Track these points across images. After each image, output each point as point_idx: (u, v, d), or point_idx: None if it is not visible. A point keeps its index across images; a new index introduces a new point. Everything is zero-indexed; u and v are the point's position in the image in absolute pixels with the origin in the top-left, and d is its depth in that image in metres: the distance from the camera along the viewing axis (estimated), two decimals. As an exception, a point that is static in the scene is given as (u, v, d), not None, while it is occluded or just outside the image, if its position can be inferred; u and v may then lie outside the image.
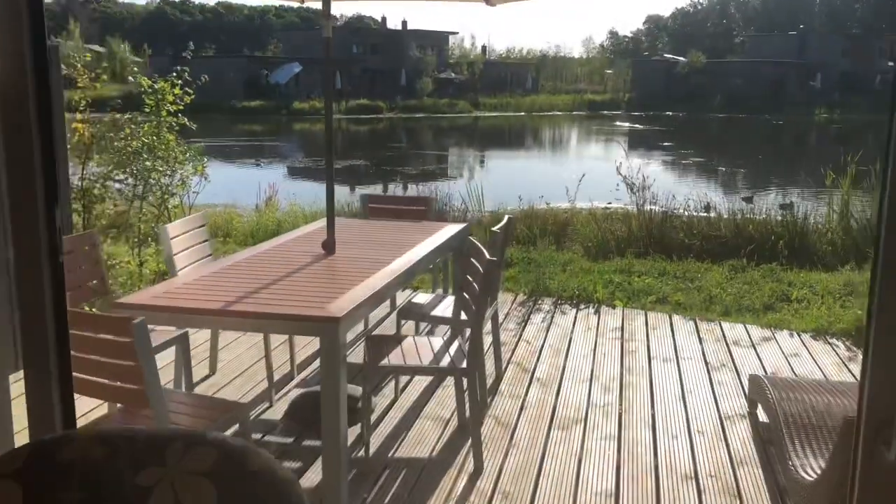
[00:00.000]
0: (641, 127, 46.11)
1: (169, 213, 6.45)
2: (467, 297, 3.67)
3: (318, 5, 3.97)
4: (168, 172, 6.06)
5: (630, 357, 4.98)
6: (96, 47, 65.63)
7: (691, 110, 55.51)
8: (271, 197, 12.87)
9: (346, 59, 59.89)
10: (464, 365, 3.44)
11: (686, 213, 9.68)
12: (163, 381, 4.39)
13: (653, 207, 9.17)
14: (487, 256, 3.36)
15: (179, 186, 6.16)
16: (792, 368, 4.81)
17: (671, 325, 5.70)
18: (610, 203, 12.52)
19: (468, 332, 4.33)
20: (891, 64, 64.34)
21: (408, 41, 64.18)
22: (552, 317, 5.85)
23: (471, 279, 3.62)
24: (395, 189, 17.55)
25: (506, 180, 20.39)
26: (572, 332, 5.49)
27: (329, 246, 4.01)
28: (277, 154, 30.46)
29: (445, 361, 3.49)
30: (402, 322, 4.38)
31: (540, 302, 6.26)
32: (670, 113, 55.72)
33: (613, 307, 6.12)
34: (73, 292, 3.74)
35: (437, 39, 67.63)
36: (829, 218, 9.41)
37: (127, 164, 5.91)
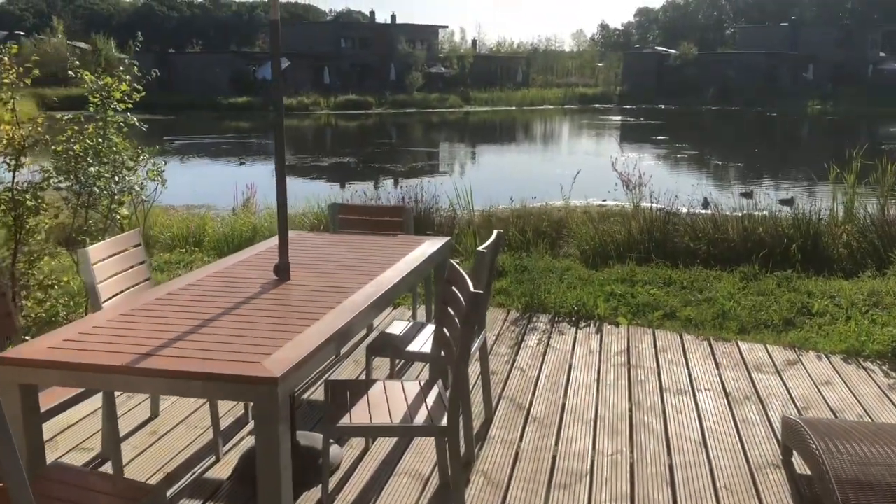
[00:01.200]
0: (633, 120, 45.52)
1: (122, 225, 5.77)
2: (448, 334, 3.02)
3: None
4: (116, 179, 5.37)
5: (639, 389, 4.34)
6: (81, 44, 64.66)
7: (683, 103, 54.96)
8: (249, 198, 12.21)
9: (329, 54, 59.11)
10: (444, 422, 2.79)
11: (688, 211, 9.10)
12: (89, 433, 3.77)
13: (651, 205, 8.58)
14: (471, 288, 2.71)
15: (126, 195, 5.48)
16: (826, 401, 4.18)
17: (683, 346, 5.06)
18: (605, 200, 11.96)
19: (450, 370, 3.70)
20: (882, 55, 63.96)
21: (397, 35, 63.37)
22: (549, 338, 5.20)
23: (452, 312, 2.98)
24: (383, 187, 16.90)
25: (497, 176, 19.77)
26: (572, 357, 4.84)
27: (282, 271, 3.35)
28: (264, 151, 29.69)
29: (421, 417, 2.84)
30: (373, 358, 3.72)
31: (535, 319, 5.61)
32: (662, 106, 55.16)
33: (617, 325, 5.48)
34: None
35: (427, 33, 66.83)
36: (833, 215, 8.79)
37: (69, 171, 5.23)
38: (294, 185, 17.74)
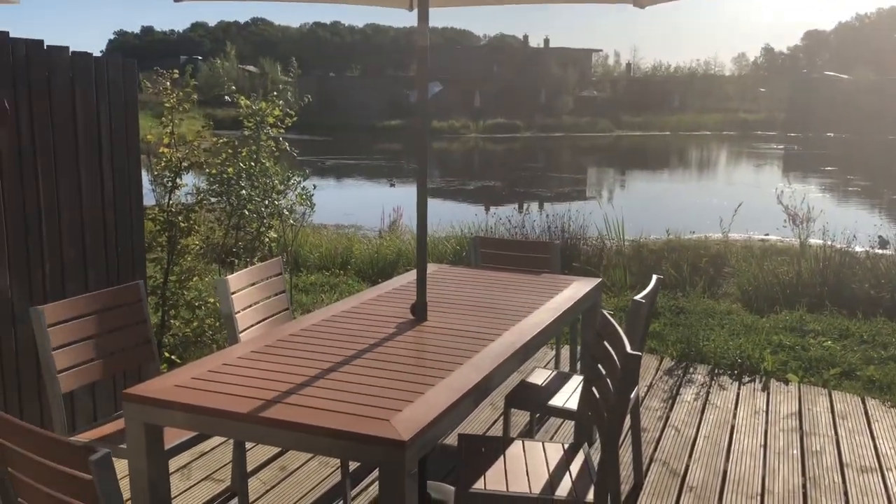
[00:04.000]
0: (799, 149, 42.78)
1: (270, 248, 5.83)
2: (597, 395, 2.68)
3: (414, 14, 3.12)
4: (266, 203, 5.42)
5: (814, 461, 3.79)
6: (251, 67, 69.14)
7: (856, 132, 51.06)
8: (395, 221, 12.30)
9: (481, 78, 59.74)
10: (590, 497, 2.46)
11: (867, 252, 8.21)
12: (221, 462, 3.70)
13: (820, 242, 7.80)
14: (628, 348, 2.37)
15: (275, 219, 5.52)
16: None
17: (865, 413, 4.42)
18: (767, 234, 11.09)
19: (596, 434, 3.35)
20: None
21: (549, 59, 63.21)
22: (708, 393, 4.71)
23: (604, 372, 2.64)
24: (528, 214, 16.61)
25: (648, 204, 18.99)
26: (734, 417, 4.34)
27: (419, 311, 3.14)
28: (414, 173, 30.24)
29: (565, 488, 2.52)
30: (511, 412, 3.43)
31: (692, 370, 5.12)
32: (832, 134, 51.53)
33: (786, 382, 4.89)
34: (112, 358, 3.07)
35: (580, 57, 66.23)
36: None
37: (221, 193, 5.33)
38: (439, 207, 17.83)
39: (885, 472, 3.69)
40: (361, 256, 8.77)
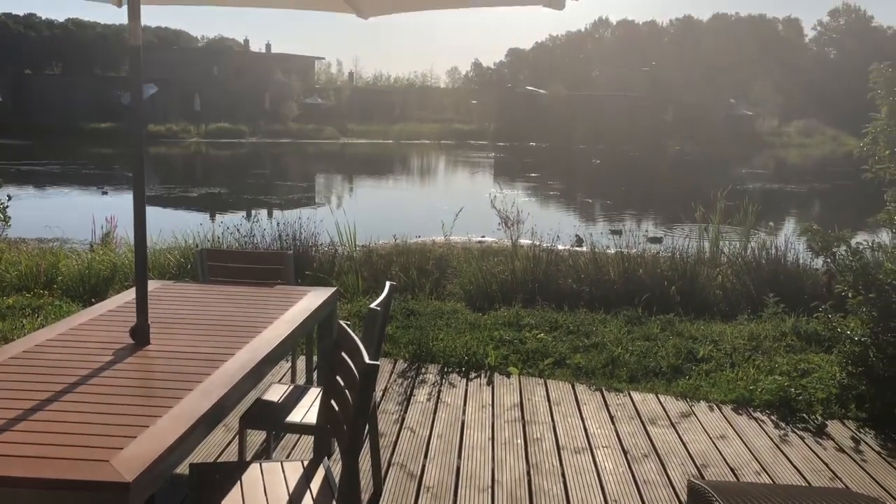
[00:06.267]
0: (507, 157, 46.51)
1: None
2: (336, 407, 2.65)
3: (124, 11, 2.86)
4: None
5: (535, 448, 4.10)
6: (-78, 60, 59.70)
7: (554, 141, 56.79)
8: (109, 233, 11.31)
9: (200, 81, 57.39)
10: (332, 513, 2.42)
11: (568, 250, 9.15)
12: None
13: (529, 242, 8.55)
14: (366, 358, 2.37)
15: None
16: (723, 457, 4.07)
17: (576, 398, 4.89)
18: (484, 237, 11.93)
19: (335, 445, 3.33)
20: (732, 101, 68.95)
21: (272, 64, 62.34)
22: (439, 392, 4.90)
23: (342, 383, 2.62)
24: (258, 221, 16.16)
25: (375, 210, 19.48)
26: (464, 413, 4.55)
27: (140, 334, 2.88)
28: (128, 180, 28.08)
29: (306, 508, 2.46)
30: (247, 432, 3.29)
31: (424, 370, 5.30)
32: (534, 144, 56.77)
33: (508, 375, 5.25)
34: None
35: (303, 64, 66.18)
36: (711, 256, 8.98)
37: None
38: (159, 216, 16.74)
39: (594, 451, 4.09)
40: (70, 273, 7.92)
